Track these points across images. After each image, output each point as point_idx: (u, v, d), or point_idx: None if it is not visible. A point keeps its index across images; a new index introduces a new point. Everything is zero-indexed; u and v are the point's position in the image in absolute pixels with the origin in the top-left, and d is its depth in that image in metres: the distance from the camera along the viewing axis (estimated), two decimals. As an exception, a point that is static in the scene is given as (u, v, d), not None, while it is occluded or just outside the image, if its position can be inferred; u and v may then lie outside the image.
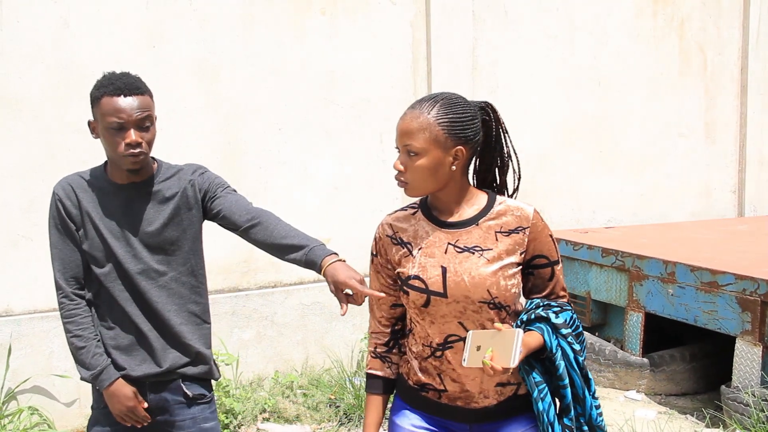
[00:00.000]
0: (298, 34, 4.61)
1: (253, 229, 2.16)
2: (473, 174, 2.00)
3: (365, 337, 4.52)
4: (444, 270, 1.84)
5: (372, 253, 1.98)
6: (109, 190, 2.18)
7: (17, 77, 3.94)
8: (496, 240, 1.86)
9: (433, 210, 1.93)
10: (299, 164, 4.67)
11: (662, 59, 5.91)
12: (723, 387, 4.01)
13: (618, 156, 5.80)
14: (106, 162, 2.22)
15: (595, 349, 4.67)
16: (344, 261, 2.03)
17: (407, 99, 4.68)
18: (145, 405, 2.21)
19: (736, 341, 3.93)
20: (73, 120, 3.99)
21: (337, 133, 4.76)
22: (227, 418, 3.97)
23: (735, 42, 6.15)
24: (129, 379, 2.19)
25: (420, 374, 1.93)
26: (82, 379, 2.21)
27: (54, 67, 4.00)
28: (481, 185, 2.00)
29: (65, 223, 2.17)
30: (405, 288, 1.88)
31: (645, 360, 4.50)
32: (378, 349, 2.01)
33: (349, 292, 1.96)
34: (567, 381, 1.84)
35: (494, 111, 1.93)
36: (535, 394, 1.83)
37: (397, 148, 1.86)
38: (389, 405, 2.05)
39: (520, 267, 1.88)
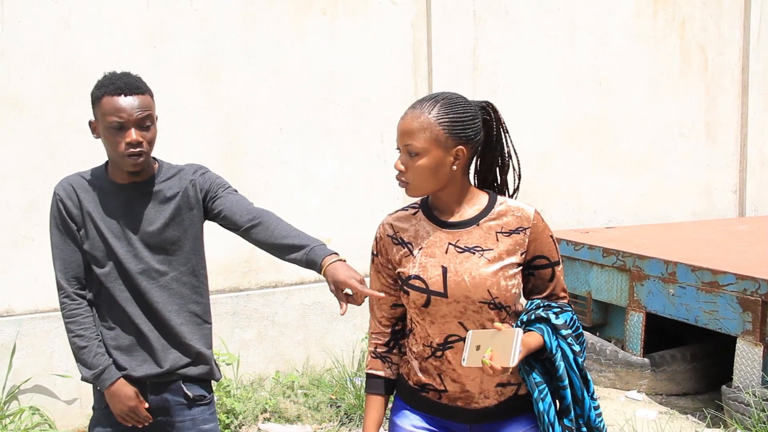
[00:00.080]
0: (299, 34, 4.61)
1: (254, 229, 2.17)
2: (474, 174, 2.00)
3: (366, 337, 4.52)
4: (444, 270, 1.84)
5: (372, 253, 1.98)
6: (110, 189, 2.18)
7: (18, 77, 3.94)
8: (497, 240, 1.86)
9: (434, 210, 1.93)
10: (300, 164, 4.67)
11: (663, 59, 5.90)
12: (724, 387, 4.01)
13: (619, 156, 5.80)
14: (107, 162, 2.23)
15: (596, 349, 4.67)
16: (344, 261, 2.03)
17: (408, 99, 4.68)
18: (146, 405, 2.21)
19: (737, 341, 3.93)
20: (74, 120, 4.00)
21: (338, 133, 4.76)
22: (228, 418, 3.97)
23: (736, 42, 6.15)
24: (130, 380, 2.19)
25: (420, 374, 1.93)
26: (83, 379, 2.21)
27: (55, 67, 4.00)
28: (482, 185, 2.00)
29: (66, 223, 2.17)
30: (405, 288, 1.88)
31: (646, 360, 4.50)
32: (378, 349, 2.01)
33: (349, 292, 1.96)
34: (567, 382, 1.84)
35: (495, 111, 1.93)
36: (536, 394, 1.83)
37: (398, 148, 1.86)
38: (389, 405, 2.05)
39: (521, 267, 1.88)
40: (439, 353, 1.88)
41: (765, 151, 6.31)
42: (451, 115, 1.80)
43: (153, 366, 2.20)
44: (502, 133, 1.95)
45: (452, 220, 1.90)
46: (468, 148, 1.84)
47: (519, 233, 1.87)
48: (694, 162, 6.10)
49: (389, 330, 2.00)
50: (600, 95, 5.69)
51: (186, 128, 4.30)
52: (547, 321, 1.85)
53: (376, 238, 1.98)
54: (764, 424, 3.66)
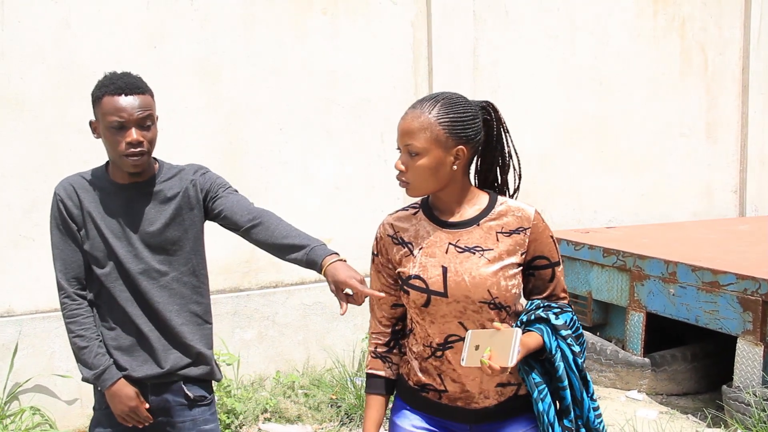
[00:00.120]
0: (299, 34, 4.61)
1: (254, 229, 2.17)
2: (474, 174, 2.00)
3: (366, 337, 4.52)
4: (444, 270, 1.84)
5: (373, 253, 1.98)
6: (110, 190, 2.18)
7: (18, 77, 3.94)
8: (497, 240, 1.86)
9: (434, 210, 1.93)
10: (300, 164, 4.67)
11: (663, 59, 5.90)
12: (724, 387, 4.00)
13: (619, 156, 5.80)
14: (107, 162, 2.23)
15: (596, 349, 4.67)
16: (345, 261, 2.03)
17: (408, 99, 4.67)
18: (147, 405, 2.21)
19: (738, 341, 3.93)
20: (74, 120, 4.00)
21: (338, 133, 4.76)
22: (228, 418, 3.97)
23: (736, 42, 6.15)
24: (130, 380, 2.19)
25: (420, 374, 1.93)
26: (83, 379, 2.21)
27: (55, 67, 4.01)
28: (482, 185, 2.00)
29: (67, 223, 2.17)
30: (405, 288, 1.88)
31: (646, 360, 4.50)
32: (378, 349, 2.01)
33: (350, 291, 1.96)
34: (566, 382, 1.84)
35: (495, 111, 1.93)
36: (535, 394, 1.83)
37: (398, 148, 1.86)
38: (390, 405, 2.05)
39: (521, 268, 1.88)
40: (439, 353, 1.88)
41: (765, 151, 6.30)
42: (451, 115, 1.80)
43: (153, 366, 2.20)
44: (503, 133, 1.95)
45: (452, 220, 1.90)
46: (468, 147, 1.84)
47: (519, 233, 1.87)
48: (695, 162, 6.10)
49: (389, 330, 2.00)
50: (600, 95, 5.69)
51: (186, 128, 4.30)
52: (546, 321, 1.85)
53: (376, 238, 1.98)
54: (765, 423, 3.66)
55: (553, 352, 1.82)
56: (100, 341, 2.19)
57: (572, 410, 1.85)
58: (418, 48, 4.96)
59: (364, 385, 2.05)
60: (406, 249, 1.91)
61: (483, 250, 1.84)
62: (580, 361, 1.86)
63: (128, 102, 2.06)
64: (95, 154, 3.74)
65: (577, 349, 1.86)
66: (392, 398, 2.05)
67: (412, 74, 4.96)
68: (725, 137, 6.21)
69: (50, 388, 4.04)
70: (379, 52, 4.84)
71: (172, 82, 4.25)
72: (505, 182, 2.00)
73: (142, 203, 2.18)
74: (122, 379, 2.17)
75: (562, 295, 1.96)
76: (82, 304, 2.19)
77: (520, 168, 1.99)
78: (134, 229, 2.17)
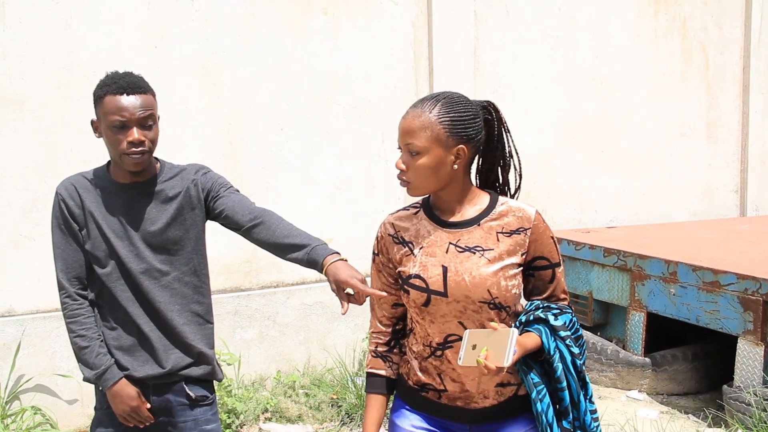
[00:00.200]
0: (299, 34, 4.61)
1: (255, 228, 2.17)
2: (476, 174, 2.00)
3: (367, 337, 4.53)
4: (445, 269, 1.84)
5: (374, 252, 1.99)
6: (112, 189, 2.18)
7: (19, 77, 3.94)
8: (498, 240, 1.86)
9: (435, 209, 1.93)
10: (301, 164, 4.67)
11: (664, 59, 5.90)
12: (725, 387, 4.00)
13: (620, 156, 5.79)
14: (109, 162, 2.23)
15: (597, 348, 4.67)
16: (346, 260, 2.03)
17: (409, 99, 4.67)
18: (148, 405, 2.22)
19: (738, 341, 3.93)
20: (75, 120, 4.00)
21: (339, 133, 4.77)
22: (229, 417, 3.97)
23: (737, 41, 6.15)
24: (132, 380, 2.19)
25: (420, 374, 1.93)
26: (85, 379, 2.21)
27: (55, 67, 4.01)
28: (483, 185, 2.01)
29: (68, 223, 2.17)
30: (405, 287, 1.89)
31: (647, 360, 4.50)
32: (379, 349, 2.01)
33: (351, 291, 1.97)
34: (565, 384, 1.84)
35: (496, 110, 1.93)
36: (534, 394, 1.83)
37: (399, 147, 1.86)
38: (390, 405, 2.05)
39: (521, 268, 1.88)
40: (438, 353, 1.88)
41: (766, 151, 6.30)
42: (452, 114, 1.80)
43: (155, 366, 2.20)
44: (504, 133, 1.95)
45: (453, 219, 1.90)
46: (469, 147, 1.84)
47: (520, 234, 1.87)
48: (695, 162, 6.10)
49: (390, 329, 2.00)
50: (601, 95, 5.69)
51: (186, 128, 4.30)
52: (545, 322, 1.85)
53: (377, 238, 1.98)
54: (765, 423, 3.66)
55: (552, 353, 1.82)
56: (102, 341, 2.19)
57: (570, 412, 1.85)
58: (419, 48, 4.96)
59: (365, 384, 2.05)
60: (407, 248, 1.91)
61: (483, 250, 1.84)
62: (579, 362, 1.86)
63: (130, 101, 2.06)
64: (95, 154, 3.74)
65: (576, 350, 1.85)
66: (392, 398, 2.05)
67: (413, 74, 4.96)
68: (726, 137, 6.21)
69: (51, 388, 4.04)
70: (379, 52, 4.84)
71: (173, 82, 4.25)
72: (506, 182, 2.00)
73: (144, 203, 2.18)
74: (124, 379, 2.17)
75: (562, 296, 1.96)
76: (84, 303, 2.19)
77: (520, 168, 1.99)
78: (136, 229, 2.17)
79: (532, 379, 1.84)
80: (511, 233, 1.86)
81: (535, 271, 1.91)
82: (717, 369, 4.43)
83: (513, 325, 1.87)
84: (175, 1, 4.26)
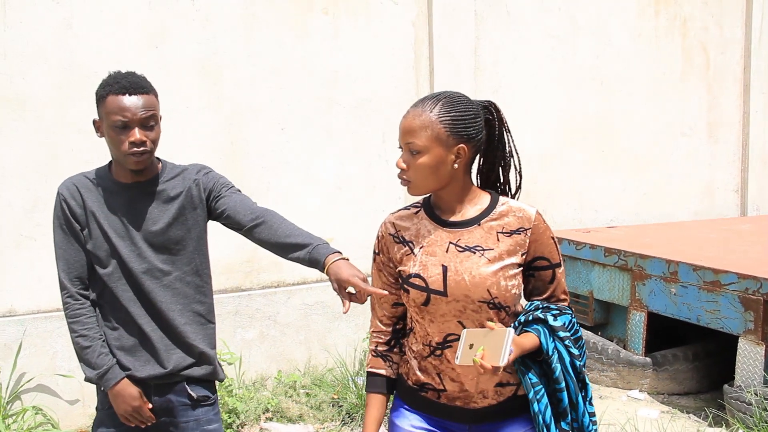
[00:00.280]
0: (300, 33, 4.61)
1: (257, 228, 2.17)
2: (476, 174, 2.01)
3: (368, 337, 4.53)
4: (445, 269, 1.84)
5: (374, 252, 1.99)
6: (113, 189, 2.19)
7: (20, 78, 3.95)
8: (498, 240, 1.86)
9: (436, 209, 1.94)
10: (301, 164, 4.67)
11: (664, 59, 5.90)
12: (726, 386, 4.00)
13: (620, 155, 5.80)
14: (110, 162, 2.23)
15: (597, 348, 4.67)
16: (347, 259, 2.03)
17: (409, 99, 4.67)
18: (150, 405, 2.22)
19: (739, 340, 3.93)
20: (76, 120, 4.00)
21: (340, 132, 4.77)
22: (230, 417, 3.98)
23: (738, 41, 6.15)
24: (134, 380, 2.19)
25: (419, 374, 1.93)
26: (86, 379, 2.21)
27: (57, 67, 4.01)
28: (484, 185, 2.01)
29: (70, 223, 2.17)
30: (405, 286, 1.89)
31: (648, 359, 4.50)
32: (379, 348, 2.01)
33: (352, 290, 1.97)
34: (563, 384, 1.83)
35: (497, 110, 1.94)
36: (531, 394, 1.83)
37: (400, 146, 1.87)
38: (390, 405, 2.05)
39: (521, 268, 1.88)
40: (438, 352, 1.88)
41: (767, 151, 6.30)
42: (452, 114, 1.81)
43: (156, 367, 2.20)
44: (504, 133, 1.95)
45: (453, 219, 1.90)
46: (469, 146, 1.84)
47: (520, 234, 1.87)
48: (696, 161, 6.10)
49: (390, 329, 2.00)
50: (601, 95, 5.69)
51: (187, 128, 4.31)
52: (544, 322, 1.85)
53: (377, 237, 1.99)
54: (766, 423, 3.66)
55: (550, 353, 1.82)
56: (103, 341, 2.19)
57: (569, 413, 1.85)
58: (419, 48, 4.96)
59: (365, 383, 2.05)
60: (407, 248, 1.91)
61: (483, 250, 1.84)
62: (578, 363, 1.85)
63: (132, 101, 2.06)
64: (96, 153, 3.75)
65: (575, 351, 1.85)
66: (392, 398, 2.05)
67: (413, 74, 4.96)
68: (727, 137, 6.21)
69: (52, 388, 4.05)
70: (380, 51, 4.84)
71: (174, 82, 4.25)
72: (507, 182, 2.00)
73: (146, 202, 2.19)
74: (125, 379, 2.17)
75: (563, 296, 1.95)
76: (85, 303, 2.19)
77: (521, 167, 2.00)
78: (137, 229, 2.17)
79: (530, 379, 1.84)
80: (511, 233, 1.87)
81: (536, 272, 1.91)
82: (718, 369, 4.43)
83: (512, 325, 1.87)
84: (176, 1, 4.26)
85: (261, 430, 4.04)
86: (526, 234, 1.87)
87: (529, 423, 1.90)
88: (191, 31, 4.31)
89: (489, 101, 1.94)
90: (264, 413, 4.15)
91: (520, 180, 2.00)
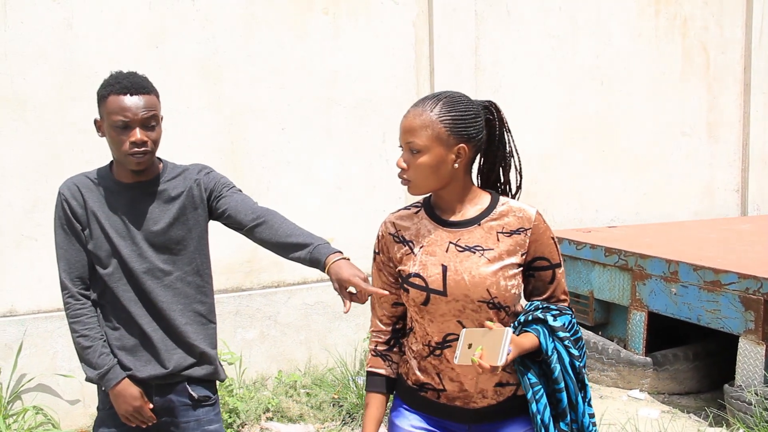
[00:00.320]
0: (300, 33, 4.61)
1: (258, 228, 2.17)
2: (477, 174, 2.01)
3: (368, 337, 4.53)
4: (444, 268, 1.84)
5: (374, 251, 1.99)
6: (114, 189, 2.19)
7: (21, 78, 3.95)
8: (498, 240, 1.86)
9: (436, 209, 1.94)
10: (302, 164, 4.68)
11: (665, 58, 5.90)
12: (726, 386, 4.01)
13: (621, 155, 5.80)
14: (112, 162, 2.23)
15: (598, 348, 4.67)
16: (348, 259, 2.03)
17: (410, 98, 4.68)
18: (151, 405, 2.22)
19: (739, 340, 3.93)
20: (77, 120, 4.01)
21: (340, 132, 4.77)
22: (231, 417, 3.98)
23: (738, 41, 6.15)
24: (135, 380, 2.19)
25: (419, 373, 1.93)
26: (87, 379, 2.21)
27: (57, 67, 4.01)
28: (484, 185, 2.01)
29: (71, 223, 2.17)
30: (405, 286, 1.89)
31: (648, 359, 4.50)
32: (379, 348, 2.01)
33: (353, 290, 1.97)
34: (563, 385, 1.83)
35: (498, 110, 1.94)
36: (529, 394, 1.83)
37: (400, 146, 1.87)
38: (389, 405, 2.05)
39: (521, 268, 1.88)
40: (437, 352, 1.89)
41: (767, 150, 6.30)
42: (453, 113, 1.81)
43: (157, 367, 2.20)
44: (505, 133, 1.95)
45: (454, 219, 1.90)
46: (470, 146, 1.84)
47: (520, 234, 1.87)
48: (696, 161, 6.10)
49: (390, 328, 2.01)
50: (601, 94, 5.69)
51: (188, 128, 4.31)
52: (544, 322, 1.84)
53: (378, 237, 1.99)
54: (767, 423, 3.66)
55: (549, 353, 1.82)
56: (104, 341, 2.19)
57: (568, 414, 1.85)
58: (420, 47, 4.96)
59: (365, 383, 2.05)
60: (407, 247, 1.91)
61: (483, 250, 1.85)
62: (578, 364, 1.85)
63: (133, 102, 2.07)
64: (97, 153, 3.75)
65: (575, 352, 1.84)
66: (391, 398, 2.05)
67: (414, 74, 4.96)
68: (727, 136, 6.21)
69: (53, 388, 4.05)
70: (380, 51, 4.84)
71: (174, 83, 4.26)
72: (507, 182, 2.00)
73: (147, 202, 2.19)
74: (126, 379, 2.17)
75: (563, 297, 1.95)
76: (86, 303, 2.19)
77: (521, 167, 2.00)
78: (138, 228, 2.18)
79: (529, 379, 1.83)
80: (511, 233, 1.87)
81: (536, 272, 1.91)
82: (718, 368, 4.43)
83: (512, 325, 1.87)
84: (176, 1, 4.27)
85: (261, 429, 4.04)
86: (526, 234, 1.87)
87: (528, 423, 1.90)
88: (191, 31, 4.32)
89: (490, 101, 1.94)
90: (264, 413, 4.15)
91: (521, 180, 2.00)
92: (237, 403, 4.01)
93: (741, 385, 3.89)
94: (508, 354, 1.68)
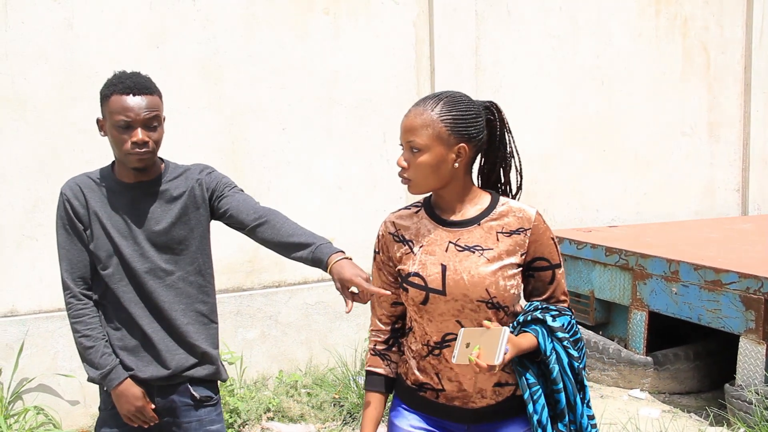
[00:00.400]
0: (300, 33, 4.62)
1: (260, 227, 2.17)
2: (477, 174, 2.01)
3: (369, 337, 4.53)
4: (444, 268, 1.85)
5: (375, 251, 1.99)
6: (116, 189, 2.19)
7: (22, 78, 3.95)
8: (497, 240, 1.86)
9: (436, 209, 1.94)
10: (303, 164, 4.68)
11: (665, 58, 5.91)
12: (727, 385, 4.01)
13: (621, 155, 5.80)
14: (113, 162, 2.23)
15: (599, 347, 4.67)
16: (351, 259, 2.03)
17: (410, 98, 4.68)
18: (153, 405, 2.22)
19: (740, 340, 3.93)
20: (77, 120, 4.01)
21: (340, 132, 4.77)
22: (231, 417, 3.98)
23: (738, 40, 6.15)
24: (137, 380, 2.19)
25: (418, 373, 1.93)
26: (89, 379, 2.21)
27: (58, 67, 4.02)
28: (485, 185, 2.01)
29: (73, 223, 2.17)
30: (405, 285, 1.89)
31: (649, 358, 4.50)
32: (378, 347, 2.02)
33: (355, 290, 1.97)
34: (561, 385, 1.83)
35: (499, 111, 1.94)
36: (527, 395, 1.82)
37: (401, 145, 1.87)
38: (389, 404, 2.06)
39: (521, 268, 1.88)
40: (436, 352, 1.89)
41: (767, 150, 6.31)
42: (453, 113, 1.81)
43: (159, 368, 2.20)
44: (506, 134, 1.95)
45: (453, 218, 1.90)
46: (470, 146, 1.84)
47: (519, 234, 1.87)
48: (697, 161, 6.10)
49: (389, 328, 2.01)
50: (602, 94, 5.69)
51: (188, 128, 4.31)
52: (543, 323, 1.84)
53: (378, 236, 1.99)
54: (767, 422, 3.66)
55: (548, 354, 1.82)
56: (106, 341, 2.19)
57: (566, 414, 1.85)
58: (420, 47, 4.96)
59: (364, 382, 2.06)
60: (407, 247, 1.92)
61: (483, 250, 1.85)
62: (576, 365, 1.85)
63: (135, 102, 2.07)
64: (98, 153, 3.75)
65: (574, 353, 1.84)
66: (391, 397, 2.05)
67: (414, 74, 4.96)
68: (727, 136, 6.21)
69: (54, 388, 4.05)
70: (380, 51, 4.84)
71: (174, 83, 4.26)
72: (507, 182, 2.00)
73: (148, 202, 2.19)
74: (129, 379, 2.17)
75: (562, 298, 1.95)
76: (88, 304, 2.19)
77: (521, 168, 2.00)
78: (140, 228, 2.18)
79: (527, 379, 1.83)
80: (511, 233, 1.87)
81: (535, 272, 1.91)
82: (719, 368, 4.43)
83: (510, 325, 1.87)
84: (177, 2, 4.27)
85: (262, 429, 4.04)
86: (526, 234, 1.87)
87: (527, 423, 1.89)
88: (192, 32, 4.32)
89: (491, 102, 1.94)
90: (265, 413, 4.15)
91: (521, 180, 2.00)
92: (238, 403, 4.01)
93: (741, 385, 3.89)
94: (505, 353, 1.68)
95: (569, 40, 5.53)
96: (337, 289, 1.99)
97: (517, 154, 1.99)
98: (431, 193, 1.94)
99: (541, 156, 5.43)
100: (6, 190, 3.97)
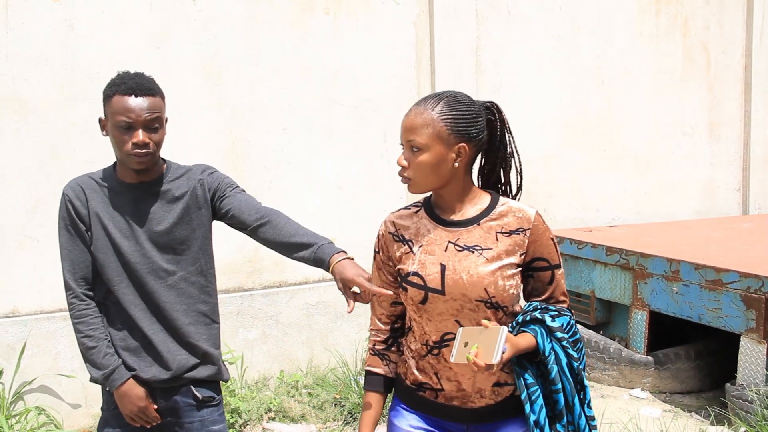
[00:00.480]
0: (301, 33, 4.62)
1: (261, 228, 2.17)
2: (477, 174, 2.01)
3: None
4: (443, 267, 1.85)
5: (375, 250, 2.00)
6: (118, 189, 2.19)
7: (23, 79, 3.96)
8: (497, 240, 1.86)
9: (436, 208, 1.94)
10: (303, 164, 4.68)
11: (666, 58, 5.91)
12: (728, 385, 4.01)
13: (622, 155, 5.80)
14: (115, 162, 2.24)
15: (599, 347, 4.67)
16: (352, 259, 2.04)
17: (410, 98, 4.69)
18: (155, 406, 2.22)
19: (741, 339, 3.93)
20: (78, 121, 4.01)
21: (341, 132, 4.78)
22: (232, 417, 3.98)
23: (739, 40, 6.15)
24: (139, 380, 2.19)
25: (417, 373, 1.94)
26: (92, 379, 2.21)
27: (59, 68, 4.02)
28: (485, 185, 2.01)
29: (75, 223, 2.17)
30: (404, 284, 1.89)
31: (650, 358, 4.51)
32: (377, 347, 2.02)
33: (357, 290, 1.97)
34: (560, 386, 1.83)
35: (499, 111, 1.94)
36: (524, 395, 1.82)
37: (401, 144, 1.87)
38: (388, 404, 2.06)
39: (520, 269, 1.88)
40: (435, 351, 1.89)
41: (768, 149, 6.31)
42: (454, 113, 1.81)
43: (161, 370, 2.20)
44: (506, 134, 1.96)
45: (453, 218, 1.91)
46: (470, 146, 1.84)
47: (519, 234, 1.87)
48: (698, 160, 6.10)
49: (388, 328, 2.01)
50: (602, 94, 5.69)
51: (189, 129, 4.31)
52: (542, 323, 1.84)
53: (378, 236, 2.00)
54: (768, 421, 3.67)
55: (547, 354, 1.82)
56: (109, 341, 2.19)
57: (565, 415, 1.85)
58: (421, 47, 4.97)
59: (363, 382, 2.06)
60: (407, 246, 1.92)
61: (482, 250, 1.85)
62: (576, 365, 1.85)
63: (137, 103, 2.07)
64: (99, 154, 3.76)
65: (573, 353, 1.84)
66: (390, 397, 2.06)
67: (415, 74, 4.97)
68: (728, 136, 6.21)
69: (55, 389, 4.05)
70: (381, 51, 4.85)
71: (175, 83, 4.26)
72: (507, 182, 2.01)
73: (150, 202, 2.19)
74: (131, 380, 2.18)
75: (562, 298, 1.95)
76: (90, 304, 2.19)
77: (521, 168, 2.00)
78: (142, 228, 2.18)
79: (525, 380, 1.83)
80: (510, 233, 1.87)
81: (535, 272, 1.91)
82: (719, 367, 4.43)
83: (509, 324, 1.87)
84: (178, 2, 4.27)
85: (263, 429, 4.04)
86: (525, 234, 1.87)
87: (526, 424, 1.89)
88: (192, 32, 4.32)
89: (491, 102, 1.94)
90: (266, 413, 4.16)
91: (521, 181, 2.00)
92: (239, 403, 4.01)
93: (742, 384, 3.90)
94: (503, 353, 1.68)
95: (569, 40, 5.53)
96: (339, 289, 2.00)
97: (518, 155, 1.99)
98: (431, 192, 1.95)
99: (542, 156, 5.43)
100: (6, 191, 3.98)
